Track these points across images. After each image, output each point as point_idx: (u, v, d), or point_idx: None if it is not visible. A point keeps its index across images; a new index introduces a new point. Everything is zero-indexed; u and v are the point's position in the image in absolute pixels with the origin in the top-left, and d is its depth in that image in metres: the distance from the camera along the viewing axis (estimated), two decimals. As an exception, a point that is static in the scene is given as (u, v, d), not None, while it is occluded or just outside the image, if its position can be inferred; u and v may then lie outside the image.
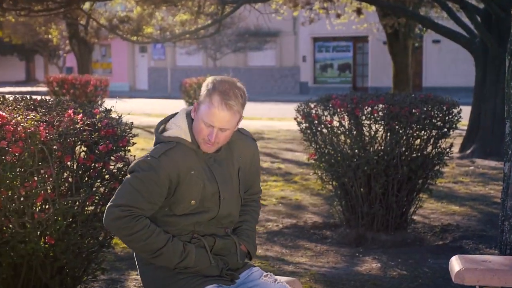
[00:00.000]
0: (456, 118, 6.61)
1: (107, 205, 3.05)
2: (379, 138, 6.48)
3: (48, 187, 3.62)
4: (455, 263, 3.82)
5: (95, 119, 3.86)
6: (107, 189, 3.93)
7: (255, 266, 3.29)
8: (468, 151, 12.64)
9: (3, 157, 3.50)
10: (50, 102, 4.18)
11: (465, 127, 13.32)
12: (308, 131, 6.70)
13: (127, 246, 3.14)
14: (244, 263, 3.28)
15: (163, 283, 3.13)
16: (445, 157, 6.69)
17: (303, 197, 8.80)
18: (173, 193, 3.08)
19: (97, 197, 3.90)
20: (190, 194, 3.09)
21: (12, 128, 3.45)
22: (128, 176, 3.08)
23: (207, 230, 3.17)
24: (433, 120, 6.47)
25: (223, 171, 3.18)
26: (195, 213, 3.12)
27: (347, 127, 6.46)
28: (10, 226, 3.62)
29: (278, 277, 3.36)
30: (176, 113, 3.23)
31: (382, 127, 6.44)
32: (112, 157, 3.91)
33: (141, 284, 5.26)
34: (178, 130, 3.13)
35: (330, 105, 6.48)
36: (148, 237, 3.02)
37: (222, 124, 3.04)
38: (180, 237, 3.11)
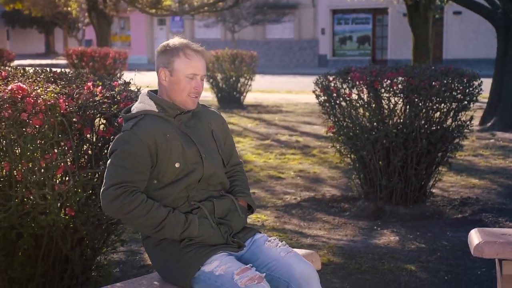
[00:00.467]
0: (476, 90, 6.56)
1: (100, 192, 3.11)
2: (398, 111, 6.45)
3: (68, 159, 3.64)
4: (474, 236, 3.81)
5: (114, 92, 3.86)
6: (126, 162, 3.95)
7: (260, 232, 3.33)
8: (489, 124, 12.55)
9: (23, 129, 3.52)
10: (69, 75, 4.19)
11: (486, 100, 13.21)
12: (327, 104, 6.67)
13: (130, 225, 3.18)
14: (249, 228, 3.31)
15: (172, 260, 3.16)
16: (465, 130, 6.65)
17: (321, 170, 8.79)
18: (155, 161, 3.14)
19: (116, 170, 3.91)
20: (172, 157, 3.15)
21: (32, 101, 3.46)
22: (109, 159, 3.15)
23: (202, 194, 3.22)
24: (453, 93, 6.42)
25: (197, 133, 3.27)
26: (183, 176, 3.17)
27: (366, 100, 6.43)
28: (31, 197, 3.66)
29: (292, 248, 3.37)
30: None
31: (401, 100, 6.40)
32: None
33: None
34: (143, 105, 3.25)
35: (349, 78, 6.45)
36: (148, 211, 3.06)
37: (203, 71, 3.24)
38: (179, 208, 3.16)
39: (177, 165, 3.15)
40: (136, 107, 3.26)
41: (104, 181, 3.11)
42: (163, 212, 3.09)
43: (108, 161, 3.15)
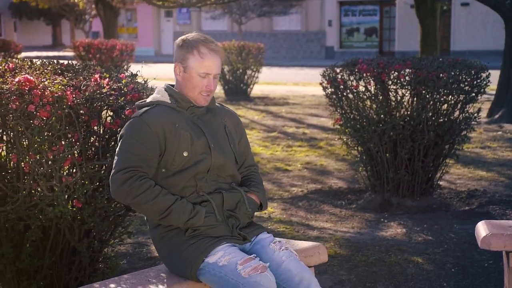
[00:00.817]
0: (484, 82, 6.54)
1: (110, 178, 3.15)
2: (405, 103, 6.43)
3: (75, 151, 3.65)
4: (481, 229, 3.80)
5: (121, 84, 3.87)
6: (133, 154, 3.95)
7: (267, 232, 3.32)
8: (496, 116, 12.51)
9: (31, 121, 3.53)
10: (76, 67, 4.20)
11: (494, 92, 13.17)
12: (334, 96, 6.66)
13: (137, 210, 3.22)
14: (257, 225, 3.32)
15: (177, 252, 3.17)
16: (473, 122, 6.63)
17: (328, 163, 8.79)
18: (164, 149, 3.17)
19: (123, 162, 3.92)
20: (180, 146, 3.18)
21: (39, 93, 3.47)
22: (118, 145, 3.19)
23: (211, 185, 3.23)
24: (461, 85, 6.40)
25: (209, 125, 3.31)
26: (191, 165, 3.19)
27: (373, 92, 6.42)
28: (39, 189, 3.67)
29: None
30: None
31: (408, 92, 6.39)
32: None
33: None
34: (157, 96, 3.32)
35: (356, 70, 6.43)
36: (155, 196, 3.09)
37: (216, 70, 3.27)
38: (187, 198, 3.17)
39: (185, 154, 3.18)
40: (150, 97, 3.34)
41: (113, 167, 3.17)
42: (170, 198, 3.12)
43: (117, 147, 3.19)
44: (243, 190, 3.31)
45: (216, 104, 3.42)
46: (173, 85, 3.39)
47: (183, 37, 3.33)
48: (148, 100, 3.33)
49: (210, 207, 3.19)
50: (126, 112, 3.80)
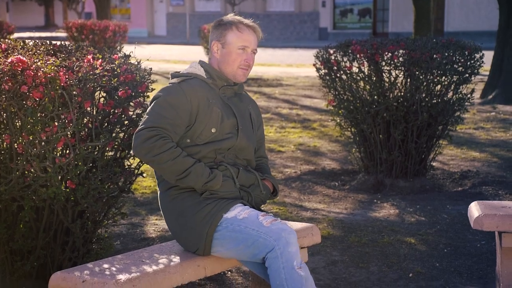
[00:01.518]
0: (478, 63, 6.54)
1: (135, 132, 3.21)
2: (399, 84, 6.44)
3: (69, 132, 3.64)
4: (474, 209, 3.82)
5: (114, 65, 3.85)
6: (126, 135, 3.95)
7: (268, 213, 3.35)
8: (490, 97, 12.52)
9: (24, 102, 3.52)
10: (69, 48, 4.18)
11: (487, 73, 13.17)
12: (327, 77, 6.66)
13: (156, 169, 3.25)
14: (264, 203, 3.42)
15: (190, 212, 3.22)
16: (466, 103, 6.64)
17: (321, 144, 8.80)
18: (194, 121, 3.23)
19: (116, 143, 3.92)
20: (210, 122, 3.25)
21: (32, 73, 3.46)
22: (150, 105, 3.26)
23: (229, 160, 3.31)
24: (455, 66, 6.40)
25: (238, 108, 3.39)
26: (215, 140, 3.26)
27: (366, 73, 6.42)
28: (32, 170, 3.67)
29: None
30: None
31: (402, 73, 6.39)
32: (131, 103, 3.92)
33: (160, 229, 5.33)
34: (193, 69, 3.39)
35: (350, 51, 6.42)
36: (176, 156, 3.15)
37: (254, 45, 3.39)
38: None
39: (213, 130, 3.26)
40: (185, 70, 3.40)
41: (140, 123, 3.23)
42: (190, 160, 3.19)
43: (149, 107, 3.26)
44: (258, 174, 3.38)
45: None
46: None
47: (218, 19, 3.44)
48: (184, 72, 3.38)
49: (228, 173, 3.26)
50: (119, 93, 3.79)
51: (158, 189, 3.41)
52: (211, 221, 3.17)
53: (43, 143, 3.58)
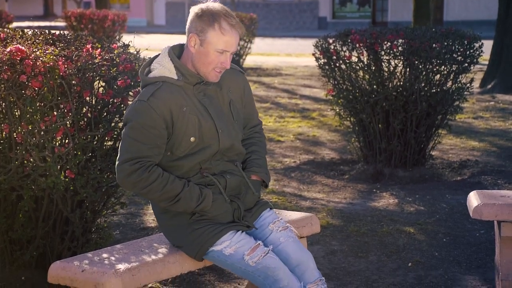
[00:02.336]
0: (477, 52, 6.53)
1: (116, 165, 3.04)
2: (398, 74, 6.43)
3: (68, 122, 3.64)
4: (473, 198, 3.82)
5: (113, 54, 3.85)
6: (125, 124, 3.95)
7: (271, 208, 3.29)
8: (489, 86, 12.51)
9: (23, 91, 3.51)
10: (68, 37, 4.17)
11: (487, 62, 13.15)
12: (326, 67, 6.65)
13: (145, 198, 3.15)
14: (262, 202, 3.27)
15: (179, 233, 3.15)
16: (465, 92, 6.64)
17: (320, 133, 8.80)
18: (171, 133, 3.05)
19: (115, 132, 3.92)
20: (188, 131, 3.06)
21: (31, 63, 3.45)
22: (124, 129, 3.05)
23: (215, 167, 3.15)
24: (454, 55, 6.40)
25: (215, 104, 3.15)
26: (197, 151, 3.10)
27: (365, 63, 6.41)
28: (31, 160, 3.67)
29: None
30: (158, 54, 3.20)
31: (401, 62, 6.38)
32: (130, 93, 3.91)
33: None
34: (162, 69, 3.11)
35: (349, 41, 6.41)
36: (164, 186, 3.02)
37: (235, 48, 3.07)
38: (191, 179, 3.11)
39: (192, 139, 3.07)
40: (155, 70, 3.13)
41: (119, 153, 3.04)
42: (178, 185, 3.04)
43: (123, 131, 3.05)
44: (245, 175, 3.21)
45: None
46: (178, 48, 3.18)
47: (202, 6, 3.07)
48: (154, 71, 3.12)
49: (217, 188, 3.13)
50: (118, 83, 3.79)
51: None
52: (197, 249, 3.10)
53: (42, 133, 3.58)
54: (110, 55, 3.82)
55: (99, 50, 3.80)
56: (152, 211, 5.50)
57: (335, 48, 6.51)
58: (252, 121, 3.37)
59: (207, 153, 3.11)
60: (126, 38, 4.57)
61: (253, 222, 3.20)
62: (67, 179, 3.75)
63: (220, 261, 3.10)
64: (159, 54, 3.19)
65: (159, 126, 3.01)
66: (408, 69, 6.37)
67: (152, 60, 3.20)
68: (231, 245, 3.06)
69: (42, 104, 3.56)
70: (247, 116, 3.33)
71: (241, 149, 3.25)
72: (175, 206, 3.08)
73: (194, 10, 3.09)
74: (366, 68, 6.41)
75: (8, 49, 3.48)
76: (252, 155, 3.31)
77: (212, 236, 3.08)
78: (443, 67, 6.41)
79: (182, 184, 3.06)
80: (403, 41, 6.30)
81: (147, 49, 4.20)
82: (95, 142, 3.82)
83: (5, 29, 4.15)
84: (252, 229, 3.18)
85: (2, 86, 3.49)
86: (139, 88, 3.93)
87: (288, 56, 20.77)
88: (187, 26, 3.12)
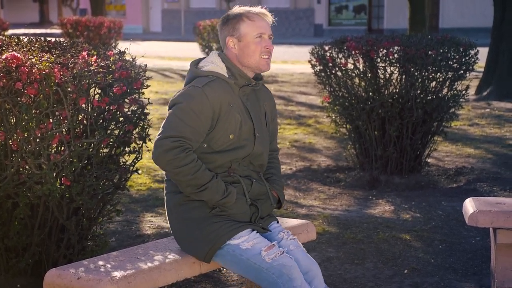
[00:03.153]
0: (473, 59, 6.55)
1: (155, 139, 3.11)
2: (394, 81, 6.44)
3: (63, 129, 3.63)
4: (469, 205, 3.82)
5: (109, 61, 3.84)
6: (121, 132, 3.95)
7: (277, 221, 3.37)
8: (485, 93, 12.53)
9: (18, 98, 3.51)
10: (64, 44, 4.17)
11: (482, 69, 13.18)
12: (322, 74, 6.66)
13: (173, 179, 3.16)
14: (269, 215, 3.35)
15: (194, 226, 3.18)
16: (461, 100, 6.66)
17: (316, 140, 8.80)
18: (214, 126, 3.15)
19: (111, 140, 3.92)
20: (229, 128, 3.17)
21: (27, 70, 3.45)
22: (172, 110, 3.15)
23: (242, 171, 3.24)
24: (449, 62, 6.42)
25: (255, 110, 3.30)
26: (232, 149, 3.19)
27: (361, 70, 6.42)
28: (27, 167, 3.66)
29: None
30: (204, 57, 3.36)
31: (397, 69, 6.40)
32: (126, 100, 3.91)
33: (156, 226, 5.33)
34: (215, 66, 3.25)
35: (345, 48, 6.43)
36: (196, 171, 3.08)
37: (269, 30, 3.26)
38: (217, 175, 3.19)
39: (231, 136, 3.18)
40: (207, 65, 3.26)
41: (161, 129, 3.11)
42: (208, 175, 3.12)
43: (170, 111, 3.15)
44: (268, 185, 3.32)
45: None
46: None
47: (223, 16, 3.31)
48: (205, 68, 3.25)
49: (241, 189, 3.20)
50: (114, 90, 3.78)
51: (164, 187, 3.34)
52: (214, 241, 3.13)
53: (38, 140, 3.58)
54: (106, 62, 3.82)
55: (95, 57, 3.79)
56: (148, 218, 5.51)
57: (331, 55, 6.53)
58: (273, 143, 3.50)
59: (240, 154, 3.21)
60: (122, 45, 4.56)
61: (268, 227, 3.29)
62: (62, 187, 3.74)
63: (234, 256, 3.12)
64: (205, 57, 3.36)
65: (207, 114, 3.13)
66: (404, 76, 6.38)
67: (200, 59, 3.35)
68: (249, 240, 3.12)
69: (37, 111, 3.55)
70: (271, 137, 3.46)
71: (266, 161, 3.37)
72: (199, 194, 3.12)
73: (219, 22, 3.32)
74: (362, 75, 6.42)
75: (3, 56, 3.48)
76: (273, 176, 3.43)
77: (231, 230, 3.14)
78: (438, 74, 6.43)
79: (211, 176, 3.14)
80: (399, 48, 6.31)
81: (143, 56, 4.20)
82: (91, 150, 3.81)
83: (0, 36, 4.15)
84: (267, 232, 3.25)
85: (-2, 93, 3.48)
86: (135, 95, 3.93)
87: (284, 63, 20.79)
88: (220, 38, 3.32)
